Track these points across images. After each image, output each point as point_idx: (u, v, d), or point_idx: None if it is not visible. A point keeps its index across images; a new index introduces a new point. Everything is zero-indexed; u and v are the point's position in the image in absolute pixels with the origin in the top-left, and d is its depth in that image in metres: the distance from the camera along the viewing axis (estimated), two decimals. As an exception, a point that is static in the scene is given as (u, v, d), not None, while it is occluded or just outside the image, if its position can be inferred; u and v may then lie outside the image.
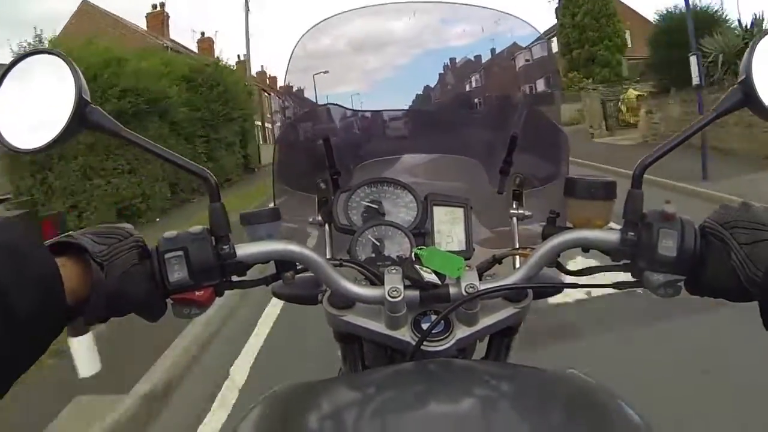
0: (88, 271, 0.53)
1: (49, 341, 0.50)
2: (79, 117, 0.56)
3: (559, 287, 0.70)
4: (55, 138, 0.56)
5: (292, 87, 0.92)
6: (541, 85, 0.94)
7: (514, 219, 0.84)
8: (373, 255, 0.79)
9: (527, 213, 0.84)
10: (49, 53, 0.59)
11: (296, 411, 0.53)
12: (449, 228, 0.82)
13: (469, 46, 0.95)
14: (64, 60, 0.57)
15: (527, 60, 0.98)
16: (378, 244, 0.79)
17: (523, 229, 0.85)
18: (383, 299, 0.63)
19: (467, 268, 0.64)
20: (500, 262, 0.77)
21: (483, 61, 0.97)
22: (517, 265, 0.76)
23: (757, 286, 0.55)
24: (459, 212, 0.82)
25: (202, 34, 33.68)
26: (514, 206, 0.85)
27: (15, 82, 0.58)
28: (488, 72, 1.00)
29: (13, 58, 0.59)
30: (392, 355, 0.69)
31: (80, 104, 0.56)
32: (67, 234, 0.56)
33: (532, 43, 0.94)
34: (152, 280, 0.58)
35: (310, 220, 0.85)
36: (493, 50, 0.97)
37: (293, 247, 0.63)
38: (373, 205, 0.83)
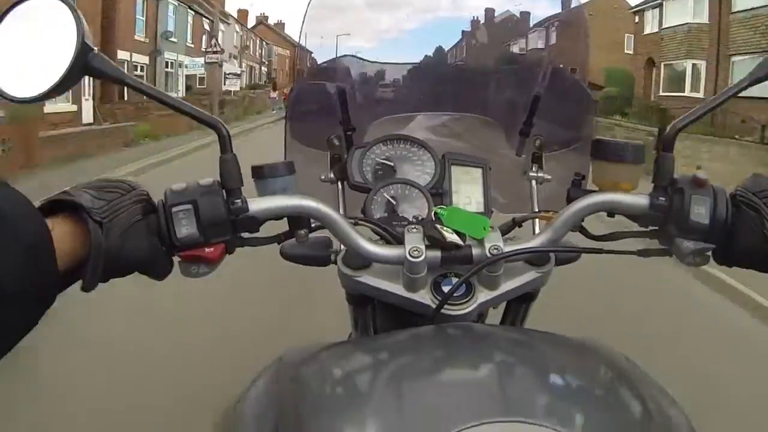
0: (86, 231, 0.49)
1: (41, 313, 0.46)
2: (82, 63, 0.53)
3: (583, 251, 0.67)
4: (54, 85, 0.53)
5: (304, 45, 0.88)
6: (568, 44, 0.90)
7: (533, 182, 0.82)
8: (387, 214, 0.76)
9: (547, 176, 0.82)
10: None
11: (309, 375, 0.52)
12: (467, 188, 0.79)
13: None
14: (65, 4, 0.54)
15: (555, 15, 0.92)
16: (393, 203, 0.76)
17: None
18: (403, 259, 0.60)
19: (491, 228, 0.62)
20: (520, 225, 0.75)
21: (507, 16, 0.93)
22: (536, 229, 0.75)
23: None
24: (477, 172, 0.79)
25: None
26: (534, 169, 0.82)
27: (12, 26, 0.55)
28: (514, 30, 0.96)
29: (12, 2, 0.55)
30: (408, 319, 0.66)
31: (83, 50, 0.53)
32: (63, 191, 0.52)
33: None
34: (158, 236, 0.55)
35: (322, 177, 0.82)
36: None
37: (309, 203, 0.60)
38: (388, 163, 0.80)
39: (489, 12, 0.92)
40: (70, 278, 0.50)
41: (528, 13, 0.93)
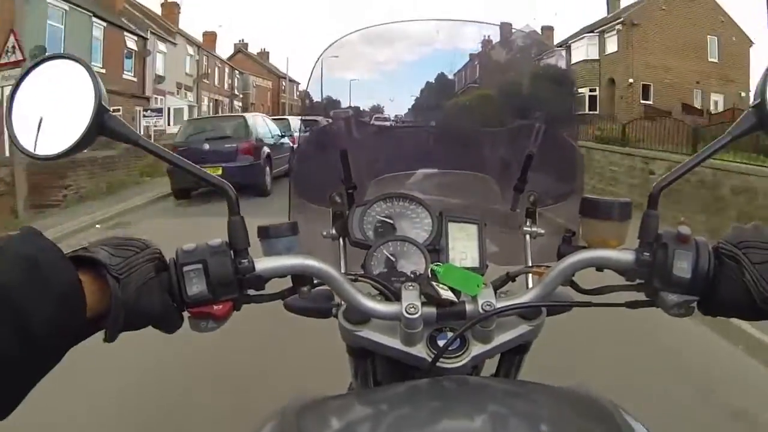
0: (106, 286, 0.53)
1: (63, 353, 0.50)
2: (98, 123, 0.55)
3: (573, 305, 0.70)
4: (73, 145, 0.55)
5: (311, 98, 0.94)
6: (557, 102, 0.95)
7: (527, 236, 0.84)
8: (386, 270, 0.78)
9: (540, 231, 0.85)
10: (69, 58, 0.58)
11: (312, 427, 0.53)
12: (463, 244, 0.82)
13: (485, 60, 0.96)
14: (83, 66, 0.56)
15: (545, 75, 0.98)
16: (392, 259, 0.79)
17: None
18: (400, 315, 0.63)
19: (484, 285, 0.64)
20: (513, 280, 0.77)
21: (500, 75, 0.98)
22: (530, 283, 0.77)
23: None
24: (473, 229, 0.82)
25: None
26: (528, 224, 0.85)
27: (33, 86, 0.57)
28: (502, 87, 1.01)
29: (31, 63, 0.58)
30: (406, 371, 0.69)
31: (99, 111, 0.55)
32: (83, 247, 0.55)
33: (550, 55, 0.94)
34: (169, 293, 0.57)
35: (324, 233, 0.85)
36: (510, 65, 0.97)
37: (312, 263, 0.63)
38: (388, 220, 0.83)
39: (467, 74, 0.97)
40: (91, 328, 0.53)
41: (497, 70, 0.98)
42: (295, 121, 14.93)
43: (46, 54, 0.60)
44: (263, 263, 0.61)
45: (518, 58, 0.98)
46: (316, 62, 0.86)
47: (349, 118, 0.91)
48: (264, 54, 49.04)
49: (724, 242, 0.61)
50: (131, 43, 20.64)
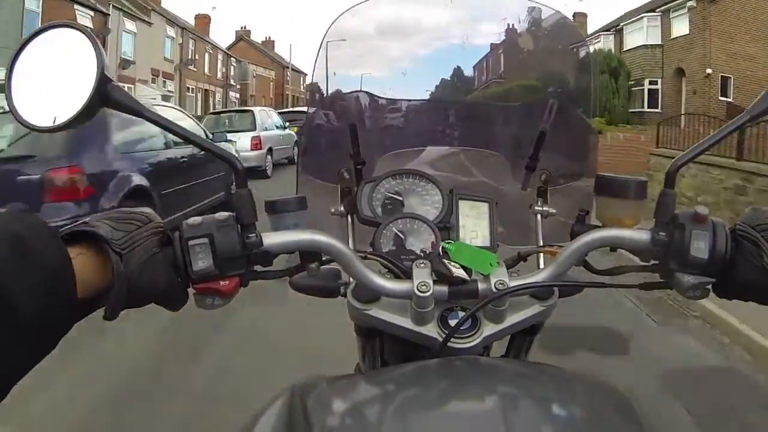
0: (107, 262, 0.51)
1: (57, 339, 0.47)
2: (101, 94, 0.53)
3: (587, 286, 0.69)
4: (74, 116, 0.53)
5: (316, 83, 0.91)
6: (573, 79, 0.93)
7: (538, 216, 0.83)
8: (395, 248, 0.77)
9: (551, 210, 0.83)
10: (71, 27, 0.56)
11: (319, 407, 0.53)
12: (474, 222, 0.80)
13: (500, 37, 0.94)
14: (85, 35, 0.54)
15: (561, 52, 0.96)
16: (402, 237, 0.77)
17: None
18: (411, 294, 0.62)
19: (497, 264, 0.63)
20: (525, 260, 0.76)
21: (514, 52, 0.96)
22: (541, 263, 0.77)
23: None
24: (484, 207, 0.81)
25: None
26: (539, 203, 0.84)
27: (33, 56, 0.55)
28: (519, 64, 0.99)
29: (31, 32, 0.56)
30: (415, 351, 0.68)
31: (102, 81, 0.53)
32: (83, 221, 0.53)
33: (566, 35, 0.93)
34: (174, 269, 0.56)
35: (332, 210, 0.84)
36: (526, 42, 0.96)
37: (321, 238, 0.61)
38: (397, 197, 0.82)
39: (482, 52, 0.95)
40: (89, 307, 0.51)
41: (511, 47, 0.96)
42: (270, 116, 13.75)
43: (49, 23, 0.58)
44: (271, 238, 0.60)
45: (540, 37, 0.96)
46: (321, 43, 0.84)
47: (358, 95, 0.89)
48: (269, 42, 46.02)
49: (742, 224, 0.60)
50: (84, 18, 17.16)
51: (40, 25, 0.59)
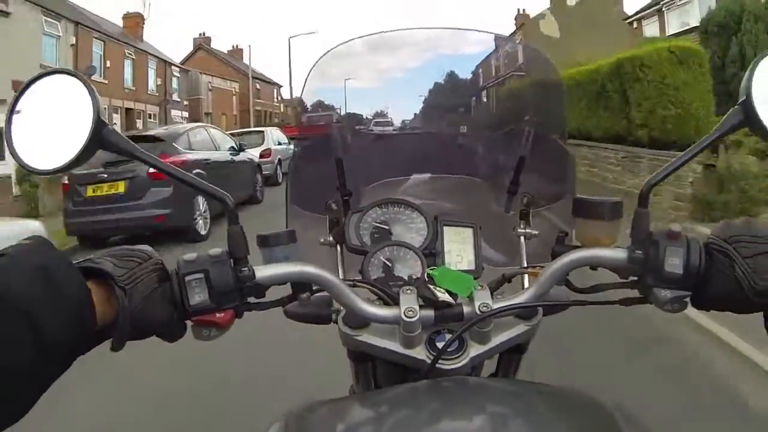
0: (112, 296, 0.54)
1: (72, 361, 0.51)
2: (97, 137, 0.56)
3: (569, 304, 0.72)
4: (73, 159, 0.56)
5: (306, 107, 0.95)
6: (546, 106, 0.96)
7: (522, 238, 0.86)
8: (383, 275, 0.79)
9: (534, 232, 0.86)
10: (67, 73, 0.59)
11: (314, 429, 0.54)
12: (459, 247, 0.83)
13: (476, 68, 0.98)
14: (80, 80, 0.57)
15: (534, 82, 1.00)
16: (389, 264, 0.80)
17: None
18: (399, 319, 0.64)
19: (480, 287, 0.66)
20: (509, 281, 0.79)
21: (492, 82, 1.00)
22: (526, 283, 0.78)
23: (760, 296, 0.58)
24: (468, 232, 0.83)
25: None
26: (522, 225, 0.87)
27: (32, 102, 0.58)
28: (496, 95, 1.03)
29: (29, 79, 0.59)
30: (406, 373, 0.70)
31: (98, 125, 0.56)
32: (88, 258, 0.56)
33: (538, 65, 0.96)
34: (172, 303, 0.58)
35: (321, 240, 0.86)
36: (499, 73, 0.99)
37: (310, 269, 0.64)
38: (384, 226, 0.84)
39: (458, 81, 0.98)
40: (100, 337, 0.54)
41: (486, 77, 1.00)
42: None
43: (44, 70, 0.61)
44: (263, 271, 0.62)
45: (512, 68, 1.00)
46: (311, 70, 0.87)
47: (342, 127, 0.92)
48: (236, 51, 40.65)
49: (714, 237, 0.63)
50: None
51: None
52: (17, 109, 0.58)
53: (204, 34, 40.38)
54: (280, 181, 13.35)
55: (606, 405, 0.55)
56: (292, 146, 14.35)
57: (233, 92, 36.49)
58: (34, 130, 0.57)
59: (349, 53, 0.90)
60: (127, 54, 22.95)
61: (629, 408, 0.55)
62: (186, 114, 27.44)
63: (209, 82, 32.61)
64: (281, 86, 43.34)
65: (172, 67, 27.24)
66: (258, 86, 39.41)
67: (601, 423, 0.54)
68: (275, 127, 17.72)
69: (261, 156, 12.82)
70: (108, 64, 20.94)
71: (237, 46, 41.47)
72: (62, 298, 0.48)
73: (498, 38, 0.95)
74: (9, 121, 0.57)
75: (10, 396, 0.46)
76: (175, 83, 27.55)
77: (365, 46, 0.92)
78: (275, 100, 43.07)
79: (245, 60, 37.78)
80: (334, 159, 0.87)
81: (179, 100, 27.53)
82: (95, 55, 19.85)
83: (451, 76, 0.96)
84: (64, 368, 0.51)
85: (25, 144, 0.57)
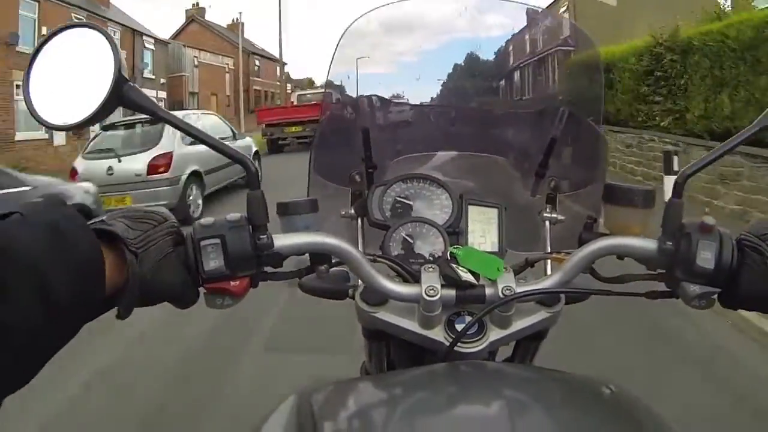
0: (123, 260, 0.52)
1: (80, 327, 0.49)
2: (117, 94, 0.55)
3: (593, 293, 0.69)
4: (91, 114, 0.54)
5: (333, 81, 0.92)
6: (582, 86, 0.94)
7: (547, 223, 0.84)
8: (404, 252, 0.78)
9: (560, 217, 0.84)
10: (89, 27, 0.57)
11: (327, 410, 0.53)
12: (483, 228, 0.81)
13: (511, 42, 0.95)
14: (103, 35, 0.56)
15: (570, 59, 0.97)
16: (410, 240, 0.78)
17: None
18: (419, 297, 0.62)
19: (505, 269, 0.64)
20: (532, 266, 0.77)
21: (525, 58, 0.97)
22: (548, 270, 0.77)
23: None
24: (493, 213, 0.82)
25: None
26: (548, 210, 0.85)
27: (51, 55, 0.56)
28: (529, 71, 1.00)
29: (49, 31, 0.57)
30: (421, 354, 0.68)
31: (119, 81, 0.54)
32: (100, 219, 0.54)
33: (575, 41, 0.94)
34: (186, 268, 0.57)
35: (342, 212, 0.84)
36: (535, 48, 0.97)
37: (331, 240, 0.62)
38: (407, 201, 0.82)
39: (494, 57, 0.96)
40: (108, 303, 0.52)
41: (522, 54, 0.97)
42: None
43: (66, 23, 0.59)
44: (282, 240, 0.61)
45: (548, 43, 0.97)
46: (336, 50, 0.84)
47: (372, 97, 0.90)
48: (236, 26, 33.76)
49: (747, 234, 0.61)
50: None
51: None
52: (35, 61, 0.56)
53: (198, 4, 35.38)
54: (193, 212, 7.09)
55: (624, 394, 0.55)
56: (248, 140, 10.38)
57: (226, 69, 31.63)
58: (52, 85, 0.56)
59: (369, 31, 0.88)
60: (73, 19, 16.61)
61: (646, 397, 0.54)
62: (163, 95, 23.86)
63: (195, 57, 28.38)
64: (286, 63, 35.85)
65: (144, 38, 22.89)
66: (258, 63, 35.25)
67: (618, 411, 0.53)
68: (206, 112, 11.03)
69: (150, 169, 6.85)
70: (44, 30, 15.80)
71: (237, 19, 35.45)
72: (73, 255, 0.47)
73: (530, 11, 0.93)
74: (27, 74, 0.56)
75: (16, 360, 0.44)
76: (148, 57, 23.02)
77: (387, 22, 0.89)
78: (278, 78, 33.87)
79: (247, 35, 34.45)
80: (360, 130, 0.85)
81: (153, 77, 23.34)
82: (25, 19, 15.96)
83: (481, 52, 0.94)
84: (70, 334, 0.49)
85: (42, 98, 0.55)
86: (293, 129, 16.39)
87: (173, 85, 25.76)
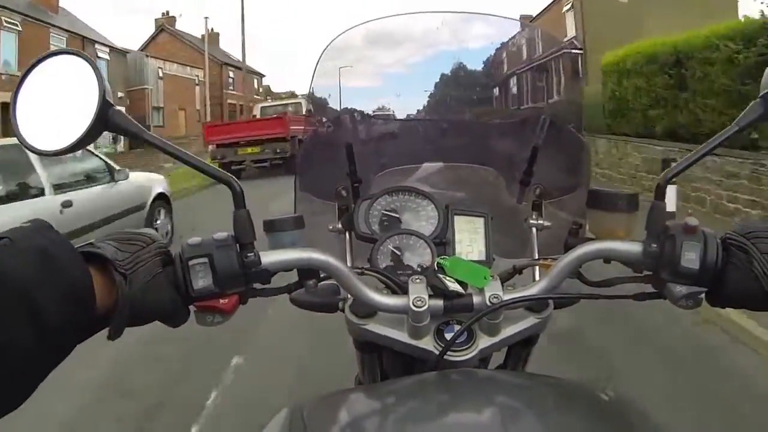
0: (113, 282, 0.53)
1: (73, 347, 0.50)
2: (103, 119, 0.55)
3: (581, 297, 0.70)
4: (77, 140, 0.55)
5: (315, 95, 0.93)
6: (564, 94, 0.95)
7: (534, 229, 0.85)
8: (392, 264, 0.78)
9: (546, 223, 0.85)
10: (72, 54, 0.58)
11: (319, 422, 0.53)
12: (470, 237, 0.81)
13: (491, 55, 0.97)
14: (87, 61, 0.57)
15: (550, 69, 0.98)
16: (398, 252, 0.79)
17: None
18: (407, 308, 0.63)
19: (492, 278, 0.64)
20: (520, 273, 0.77)
21: (505, 69, 0.98)
22: (536, 276, 0.78)
23: None
24: (479, 222, 0.82)
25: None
26: (534, 216, 0.86)
27: (37, 82, 0.57)
28: (512, 82, 1.01)
29: (34, 59, 0.58)
30: (413, 364, 0.69)
31: (104, 106, 0.55)
32: (89, 242, 0.55)
33: (555, 50, 0.95)
34: (175, 288, 0.57)
35: (330, 227, 0.85)
36: (515, 59, 0.98)
37: (318, 256, 0.63)
38: (393, 214, 0.83)
39: (473, 69, 0.97)
40: (99, 324, 0.53)
41: (502, 64, 0.98)
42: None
43: (50, 51, 0.60)
44: (269, 257, 0.61)
45: (528, 53, 0.99)
46: (318, 61, 0.85)
47: (353, 113, 0.91)
48: (212, 36, 32.27)
49: (732, 233, 0.61)
50: None
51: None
52: (21, 88, 0.57)
53: (168, 13, 33.14)
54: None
55: (620, 399, 0.55)
56: (141, 179, 6.22)
57: (195, 81, 29.14)
58: (38, 111, 0.57)
59: (352, 45, 0.89)
60: (5, 23, 15.51)
61: (640, 401, 0.55)
62: (122, 109, 21.15)
63: (160, 68, 26.21)
64: (263, 75, 35.29)
65: (96, 46, 20.69)
66: (231, 75, 32.61)
67: (610, 416, 0.53)
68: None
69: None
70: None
71: (213, 29, 33.83)
72: (63, 280, 0.47)
73: (514, 22, 0.95)
74: (14, 100, 0.57)
75: (9, 382, 0.45)
76: (101, 68, 20.75)
77: (370, 36, 0.90)
78: (257, 91, 34.08)
79: (222, 46, 32.49)
80: (344, 145, 0.86)
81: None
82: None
83: (464, 64, 0.95)
84: (63, 355, 0.49)
85: (29, 124, 0.56)
86: (249, 150, 13.60)
87: (134, 99, 23.81)
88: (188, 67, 28.89)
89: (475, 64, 0.96)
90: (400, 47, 0.95)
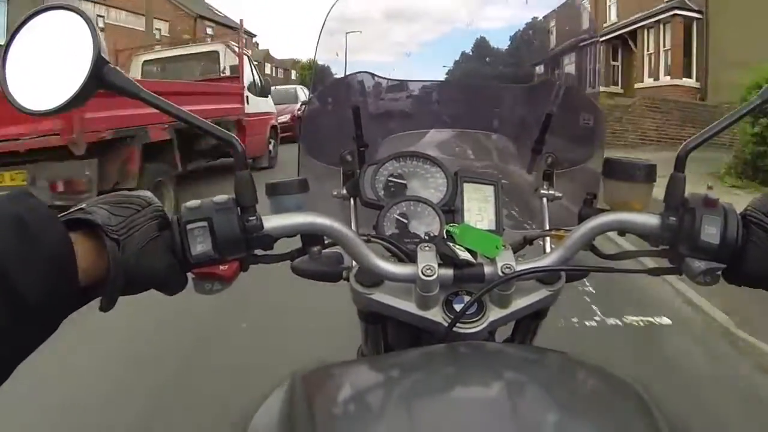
0: (103, 249, 0.50)
1: (58, 323, 0.47)
2: (97, 76, 0.52)
3: (595, 270, 0.68)
4: (70, 98, 0.52)
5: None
6: (579, 61, 0.92)
7: (544, 199, 0.82)
8: (398, 231, 0.76)
9: (557, 194, 0.82)
10: (66, 9, 0.55)
11: (322, 394, 0.52)
12: (479, 205, 0.79)
13: (506, 19, 0.93)
14: (81, 16, 0.54)
15: (566, 34, 0.95)
16: (405, 220, 0.76)
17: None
18: (415, 277, 0.60)
19: (504, 247, 0.62)
20: (531, 243, 0.75)
21: (520, 33, 0.95)
22: (547, 247, 0.76)
23: None
24: (489, 190, 0.79)
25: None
26: (545, 186, 0.83)
27: (28, 39, 0.55)
28: (524, 46, 0.97)
29: (25, 15, 0.55)
30: (419, 336, 0.67)
31: (98, 63, 0.52)
32: (79, 207, 0.52)
33: (572, 14, 0.92)
34: (172, 253, 0.55)
35: (334, 193, 0.82)
36: (530, 23, 0.94)
37: (323, 220, 0.60)
38: (400, 180, 0.80)
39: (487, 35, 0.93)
40: (88, 295, 0.51)
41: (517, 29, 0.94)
42: None
43: (42, 5, 0.56)
44: (272, 221, 0.59)
45: (544, 19, 0.95)
46: (322, 27, 0.81)
47: (362, 74, 0.88)
48: None
49: (753, 209, 0.59)
50: None
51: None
52: (11, 46, 0.54)
53: None
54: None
55: (623, 376, 0.54)
56: None
57: (157, 36, 20.51)
58: (30, 69, 0.54)
59: (359, 7, 0.86)
60: None
61: (645, 378, 0.54)
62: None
63: (100, 17, 19.35)
64: (255, 35, 29.53)
65: None
66: (209, 29, 25.84)
67: (618, 391, 0.52)
68: None
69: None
70: None
71: None
72: (39, 251, 0.44)
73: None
74: (3, 60, 0.54)
75: None
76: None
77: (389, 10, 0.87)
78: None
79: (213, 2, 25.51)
80: (350, 108, 0.83)
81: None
82: None
83: (476, 32, 0.91)
84: (48, 330, 0.46)
85: (19, 83, 0.53)
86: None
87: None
88: (141, 17, 19.75)
89: (487, 32, 0.93)
90: (407, 11, 0.91)
